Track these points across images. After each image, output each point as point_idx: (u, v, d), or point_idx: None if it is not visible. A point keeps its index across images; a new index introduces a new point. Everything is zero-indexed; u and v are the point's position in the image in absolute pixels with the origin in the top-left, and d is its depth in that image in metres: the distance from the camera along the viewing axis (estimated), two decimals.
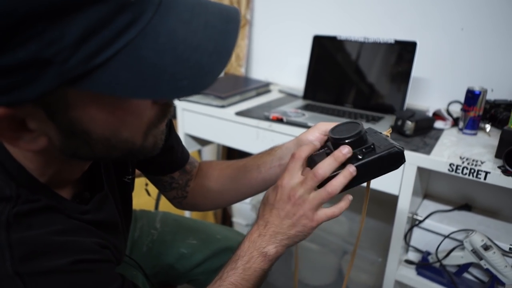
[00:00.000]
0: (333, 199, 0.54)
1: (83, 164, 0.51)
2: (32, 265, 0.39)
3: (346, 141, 0.53)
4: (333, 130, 0.58)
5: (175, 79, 0.34)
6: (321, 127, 0.62)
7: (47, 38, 0.30)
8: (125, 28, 0.33)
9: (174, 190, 0.77)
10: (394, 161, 0.54)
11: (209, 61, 0.36)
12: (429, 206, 1.11)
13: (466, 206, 1.11)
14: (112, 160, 0.45)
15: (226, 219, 1.79)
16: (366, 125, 0.61)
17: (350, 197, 0.55)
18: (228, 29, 0.38)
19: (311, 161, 0.58)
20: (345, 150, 0.52)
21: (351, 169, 0.52)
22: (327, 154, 0.56)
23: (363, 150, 0.53)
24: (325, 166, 0.52)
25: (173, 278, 0.88)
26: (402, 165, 0.90)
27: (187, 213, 1.44)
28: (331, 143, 0.57)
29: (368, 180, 0.56)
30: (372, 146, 0.54)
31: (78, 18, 0.31)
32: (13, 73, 0.31)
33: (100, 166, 0.56)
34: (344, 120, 0.63)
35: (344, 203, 0.54)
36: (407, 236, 1.04)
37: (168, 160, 0.73)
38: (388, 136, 0.58)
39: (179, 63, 0.35)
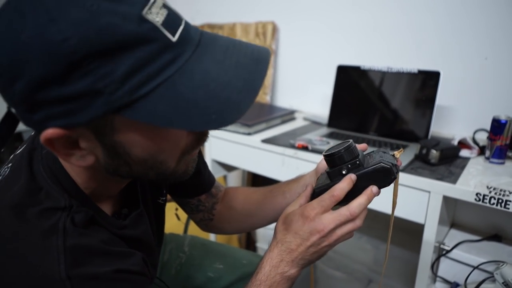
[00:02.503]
0: None
1: (122, 181, 0.55)
2: (81, 270, 0.43)
3: (328, 156, 0.56)
4: (329, 148, 0.60)
5: (206, 113, 0.39)
6: None
7: (101, 72, 0.36)
8: (165, 66, 0.39)
9: (201, 212, 0.81)
10: (383, 176, 0.55)
11: (237, 98, 0.40)
12: (456, 235, 1.09)
13: (495, 237, 1.08)
14: (147, 181, 0.50)
15: (250, 243, 1.80)
16: (391, 153, 0.62)
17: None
18: (257, 69, 0.43)
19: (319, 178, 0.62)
20: (345, 183, 0.54)
21: (352, 177, 0.54)
22: (327, 173, 0.59)
23: (349, 166, 0.55)
24: (357, 205, 0.54)
25: None
26: (428, 194, 0.92)
27: (212, 237, 1.47)
28: (324, 160, 0.59)
29: (354, 197, 0.56)
30: (357, 162, 0.55)
31: (127, 57, 0.36)
32: (70, 101, 0.37)
33: (137, 186, 0.60)
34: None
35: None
36: (434, 266, 1.03)
37: (195, 183, 0.77)
38: (397, 157, 0.59)
39: (210, 99, 0.39)
